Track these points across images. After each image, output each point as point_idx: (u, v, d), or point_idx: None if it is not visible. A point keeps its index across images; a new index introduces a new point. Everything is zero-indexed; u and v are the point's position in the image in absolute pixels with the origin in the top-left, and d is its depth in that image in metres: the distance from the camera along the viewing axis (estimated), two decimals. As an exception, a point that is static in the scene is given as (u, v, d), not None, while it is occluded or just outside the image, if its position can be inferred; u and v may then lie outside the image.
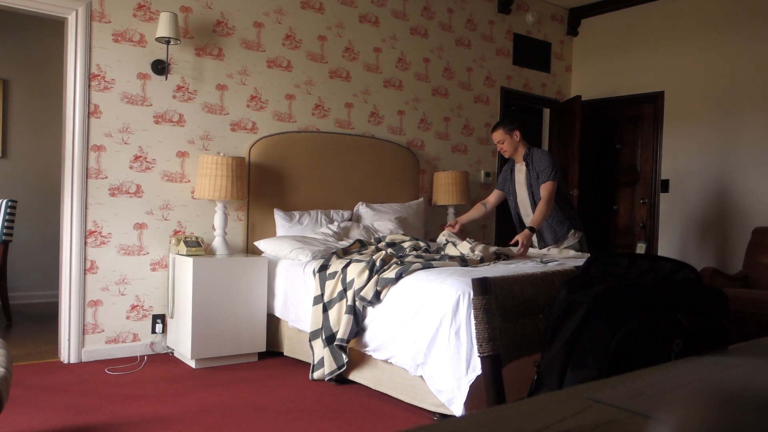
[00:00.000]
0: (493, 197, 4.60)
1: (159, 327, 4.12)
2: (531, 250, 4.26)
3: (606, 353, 1.03)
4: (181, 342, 3.89)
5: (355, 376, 3.44)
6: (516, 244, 4.00)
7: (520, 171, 4.37)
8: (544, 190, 4.13)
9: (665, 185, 5.98)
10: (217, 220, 4.13)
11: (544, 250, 4.20)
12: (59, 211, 4.11)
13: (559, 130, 6.45)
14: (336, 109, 5.00)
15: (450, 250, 3.93)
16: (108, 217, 3.99)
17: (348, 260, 3.58)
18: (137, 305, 4.08)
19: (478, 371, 2.61)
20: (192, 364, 3.82)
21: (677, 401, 0.42)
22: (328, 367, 3.39)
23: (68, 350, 3.86)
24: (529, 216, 4.38)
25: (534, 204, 4.25)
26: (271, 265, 4.13)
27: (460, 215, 5.67)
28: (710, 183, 5.66)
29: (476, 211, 4.60)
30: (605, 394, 0.72)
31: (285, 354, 4.08)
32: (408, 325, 3.02)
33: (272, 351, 4.15)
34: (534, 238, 4.35)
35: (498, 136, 4.29)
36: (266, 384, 3.49)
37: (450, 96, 5.77)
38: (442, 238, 4.32)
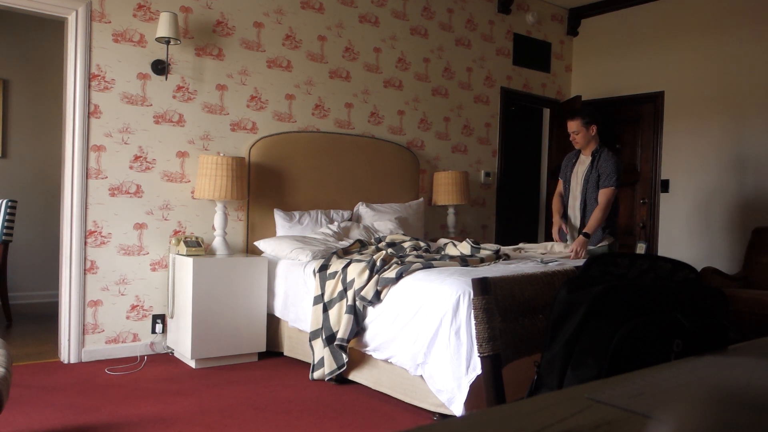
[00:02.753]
0: (561, 187, 4.58)
1: (159, 327, 4.12)
2: (532, 246, 4.29)
3: (606, 353, 1.03)
4: (181, 342, 3.89)
5: (355, 376, 3.44)
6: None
7: (583, 163, 4.34)
8: (603, 195, 4.12)
9: (665, 185, 5.98)
10: (217, 220, 4.13)
11: (545, 247, 4.20)
12: (59, 211, 4.11)
13: (559, 130, 6.44)
14: (336, 109, 5.00)
15: (450, 250, 3.93)
16: (108, 217, 3.99)
17: (348, 260, 3.58)
18: (137, 305, 4.08)
19: (478, 371, 2.61)
20: (192, 364, 3.82)
21: (677, 401, 0.42)
22: (328, 367, 3.39)
23: (68, 350, 3.86)
24: (574, 208, 4.35)
25: (583, 198, 4.24)
26: (271, 265, 4.13)
27: (460, 215, 5.70)
28: (710, 183, 5.66)
29: (559, 204, 4.55)
30: (605, 394, 0.72)
31: (285, 354, 4.08)
32: (408, 325, 3.02)
33: (272, 351, 4.15)
34: (565, 229, 4.37)
35: (574, 126, 4.26)
36: (266, 384, 3.49)
37: (450, 96, 5.77)
38: (557, 246, 4.26)
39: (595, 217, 4.11)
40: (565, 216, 4.47)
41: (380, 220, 4.77)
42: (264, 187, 4.50)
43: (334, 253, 3.81)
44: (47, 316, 5.20)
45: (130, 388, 3.36)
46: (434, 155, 5.66)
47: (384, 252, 3.64)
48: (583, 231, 4.11)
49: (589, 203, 4.23)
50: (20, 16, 5.56)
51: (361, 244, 4.09)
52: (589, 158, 4.28)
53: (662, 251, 5.94)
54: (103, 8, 3.95)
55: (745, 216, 5.41)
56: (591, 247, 4.25)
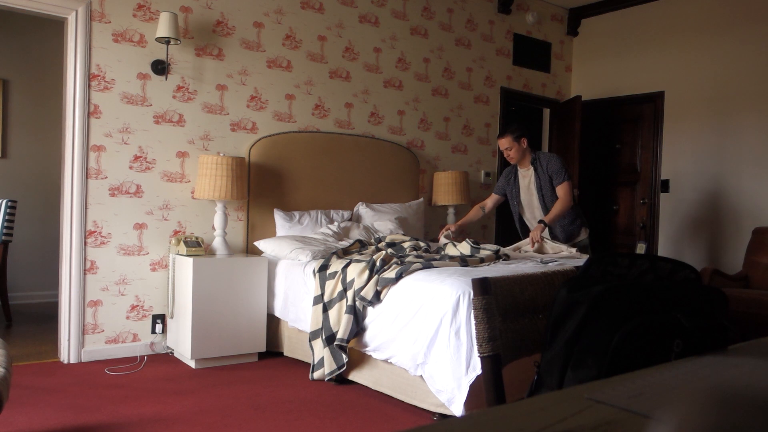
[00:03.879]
0: (491, 201, 4.66)
1: (159, 327, 4.12)
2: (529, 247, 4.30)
3: (606, 353, 1.03)
4: (181, 342, 3.89)
5: (354, 376, 3.44)
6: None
7: (525, 176, 4.40)
8: (561, 190, 4.22)
9: (665, 185, 5.98)
10: (217, 220, 4.13)
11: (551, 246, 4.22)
12: (59, 211, 4.11)
13: (559, 130, 6.45)
14: (336, 109, 5.00)
15: (450, 250, 3.93)
16: (108, 217, 3.99)
17: (348, 260, 3.58)
18: (137, 305, 4.08)
19: (478, 371, 2.61)
20: (192, 364, 3.82)
21: (677, 401, 0.42)
22: (328, 367, 3.39)
23: (68, 350, 3.86)
24: (536, 219, 4.42)
25: (545, 206, 4.31)
26: (271, 265, 4.12)
27: (460, 215, 5.69)
28: (710, 183, 5.66)
29: (474, 214, 4.66)
30: (605, 394, 0.72)
31: (285, 354, 4.08)
32: (408, 325, 3.02)
33: (272, 351, 4.15)
34: (546, 233, 4.42)
35: (506, 143, 4.32)
36: (266, 384, 3.49)
37: (450, 96, 5.77)
38: (443, 240, 4.35)
39: (557, 208, 4.20)
40: (524, 231, 4.56)
41: (380, 220, 4.77)
42: (264, 187, 4.50)
43: (334, 253, 3.81)
44: (47, 316, 5.20)
45: (130, 388, 3.36)
46: (434, 155, 5.66)
47: (384, 252, 3.64)
48: (541, 219, 4.19)
49: (551, 207, 4.31)
50: (20, 16, 5.56)
51: (361, 244, 4.09)
52: (530, 168, 4.34)
53: (662, 251, 5.94)
54: (103, 8, 3.95)
55: (745, 216, 5.41)
56: (577, 242, 4.34)
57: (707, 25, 5.71)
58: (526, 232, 4.56)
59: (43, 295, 6.08)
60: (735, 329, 1.13)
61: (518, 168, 4.45)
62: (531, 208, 4.44)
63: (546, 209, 4.30)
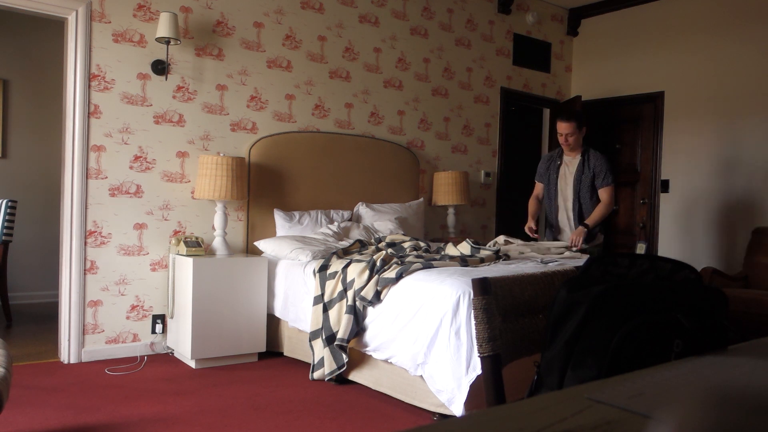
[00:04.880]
0: (540, 189, 4.64)
1: (159, 327, 4.12)
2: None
3: (606, 353, 1.03)
4: (181, 342, 3.89)
5: (355, 376, 3.44)
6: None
7: (570, 164, 4.40)
8: (605, 193, 4.27)
9: (665, 185, 5.98)
10: (217, 220, 4.13)
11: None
12: (59, 211, 4.11)
13: (559, 130, 6.44)
14: (336, 109, 5.00)
15: (450, 250, 3.93)
16: (108, 217, 3.99)
17: (348, 260, 3.58)
18: (137, 305, 4.08)
19: (478, 371, 2.61)
20: (192, 364, 3.82)
21: (677, 401, 0.42)
22: (328, 367, 3.39)
23: (68, 350, 3.86)
24: (566, 210, 4.42)
25: (577, 197, 4.33)
26: (271, 265, 4.13)
27: (460, 215, 5.69)
28: (710, 183, 5.66)
29: (536, 207, 4.64)
30: (605, 394, 0.72)
31: (285, 354, 4.08)
32: (408, 325, 3.02)
33: (272, 351, 4.15)
34: (534, 232, 4.43)
35: (569, 128, 4.31)
36: (266, 384, 3.49)
37: (450, 96, 5.77)
38: (514, 247, 4.18)
39: (600, 212, 4.24)
40: (548, 218, 4.55)
41: (380, 220, 4.77)
42: (264, 187, 4.50)
43: (334, 253, 3.81)
44: (47, 316, 5.20)
45: (130, 388, 3.36)
46: (434, 155, 5.66)
47: (384, 252, 3.64)
48: (584, 222, 4.18)
49: (583, 202, 4.31)
50: (20, 16, 5.55)
51: (361, 245, 4.09)
52: (578, 159, 4.35)
53: (662, 251, 5.93)
54: (103, 8, 3.95)
55: (745, 216, 5.41)
56: (586, 246, 4.31)
57: (707, 25, 5.71)
58: (553, 217, 4.50)
59: (43, 295, 6.07)
60: (735, 329, 1.13)
61: (564, 155, 4.45)
62: (565, 197, 4.41)
63: (577, 202, 4.31)
